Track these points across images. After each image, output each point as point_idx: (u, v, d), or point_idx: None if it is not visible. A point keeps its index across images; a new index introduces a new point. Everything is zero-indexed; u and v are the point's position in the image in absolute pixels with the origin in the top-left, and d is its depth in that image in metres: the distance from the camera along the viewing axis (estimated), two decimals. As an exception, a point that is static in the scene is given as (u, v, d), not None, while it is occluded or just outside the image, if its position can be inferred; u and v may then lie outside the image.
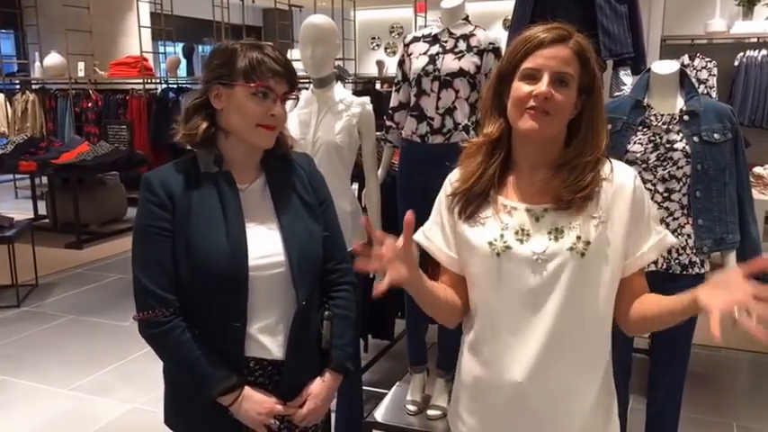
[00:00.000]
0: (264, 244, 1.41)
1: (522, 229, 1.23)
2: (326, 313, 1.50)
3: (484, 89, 1.36)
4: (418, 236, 1.37)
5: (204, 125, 1.40)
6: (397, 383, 2.83)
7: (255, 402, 1.40)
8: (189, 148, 1.45)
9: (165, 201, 1.37)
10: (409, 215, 1.12)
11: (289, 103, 1.43)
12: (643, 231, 1.26)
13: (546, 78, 1.18)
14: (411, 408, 2.62)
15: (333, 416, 2.53)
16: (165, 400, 1.51)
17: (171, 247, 1.37)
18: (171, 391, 1.50)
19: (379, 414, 2.60)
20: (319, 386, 1.48)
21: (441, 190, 1.36)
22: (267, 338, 1.42)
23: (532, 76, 1.20)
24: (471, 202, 1.28)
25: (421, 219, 1.36)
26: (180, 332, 1.37)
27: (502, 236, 1.24)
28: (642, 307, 1.27)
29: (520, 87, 1.21)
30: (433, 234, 1.36)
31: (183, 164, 1.44)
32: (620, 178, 1.25)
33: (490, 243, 1.24)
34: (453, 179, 1.33)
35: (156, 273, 1.36)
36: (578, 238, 1.20)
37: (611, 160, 1.27)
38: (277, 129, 1.41)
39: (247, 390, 1.40)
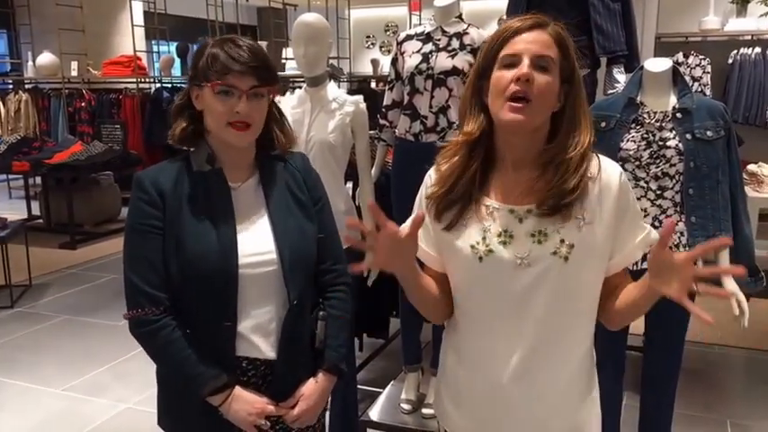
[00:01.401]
0: (256, 242, 1.40)
1: (505, 231, 1.20)
2: (321, 314, 1.49)
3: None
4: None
5: (183, 125, 1.40)
6: (392, 382, 2.83)
7: (246, 402, 1.38)
8: (184, 147, 1.44)
9: (156, 199, 1.37)
10: (420, 212, 1.12)
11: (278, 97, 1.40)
12: (629, 227, 1.24)
13: (526, 61, 1.14)
14: (406, 406, 2.62)
15: (327, 414, 2.53)
16: (158, 401, 1.50)
17: (161, 245, 1.36)
18: (163, 392, 1.49)
19: (374, 413, 2.60)
20: (312, 387, 1.47)
21: (421, 187, 1.32)
22: (259, 338, 1.41)
23: (512, 63, 1.16)
24: (451, 206, 1.23)
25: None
26: (170, 331, 1.36)
27: (484, 239, 1.20)
28: (618, 302, 1.26)
29: (500, 75, 1.16)
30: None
31: (176, 162, 1.43)
32: (606, 176, 1.21)
33: (472, 246, 1.21)
34: (432, 180, 1.28)
35: (146, 271, 1.35)
36: (562, 241, 1.17)
37: (600, 156, 1.23)
38: (252, 126, 1.37)
39: (238, 389, 1.39)
